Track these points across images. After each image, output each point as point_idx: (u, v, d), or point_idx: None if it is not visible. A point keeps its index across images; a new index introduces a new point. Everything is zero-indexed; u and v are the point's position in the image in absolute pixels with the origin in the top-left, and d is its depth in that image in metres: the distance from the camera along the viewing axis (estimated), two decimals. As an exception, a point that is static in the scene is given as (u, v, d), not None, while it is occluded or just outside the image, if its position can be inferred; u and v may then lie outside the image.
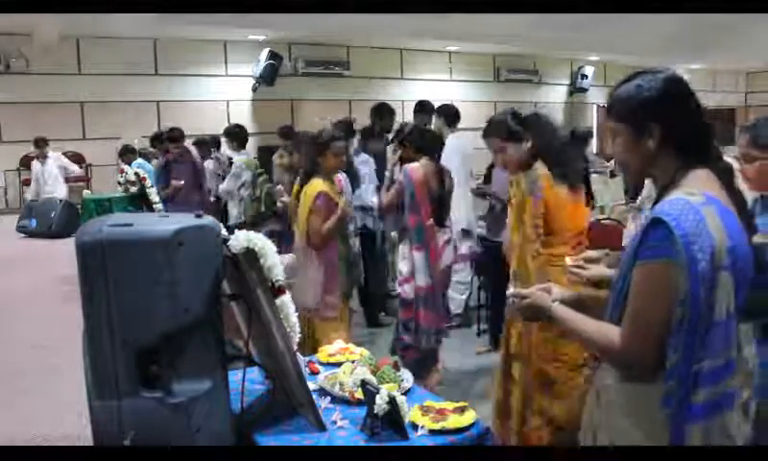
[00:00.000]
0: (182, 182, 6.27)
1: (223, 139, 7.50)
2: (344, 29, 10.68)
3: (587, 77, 15.78)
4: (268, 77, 11.72)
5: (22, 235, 9.17)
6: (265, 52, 11.59)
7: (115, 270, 1.66)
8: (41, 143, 9.40)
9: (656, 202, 1.53)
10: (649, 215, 1.46)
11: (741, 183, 2.46)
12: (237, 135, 7.34)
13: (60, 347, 4.67)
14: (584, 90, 15.77)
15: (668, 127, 1.51)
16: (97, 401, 1.72)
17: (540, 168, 2.83)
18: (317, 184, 3.66)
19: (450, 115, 5.67)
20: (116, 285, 1.67)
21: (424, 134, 4.19)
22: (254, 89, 12.05)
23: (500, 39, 12.20)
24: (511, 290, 1.90)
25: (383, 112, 5.92)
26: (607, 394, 1.58)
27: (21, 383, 4.30)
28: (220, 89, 11.84)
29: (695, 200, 1.42)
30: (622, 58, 15.39)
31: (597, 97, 16.13)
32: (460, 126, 5.74)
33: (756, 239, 1.56)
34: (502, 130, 2.95)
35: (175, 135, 6.44)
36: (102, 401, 1.71)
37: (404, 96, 12.06)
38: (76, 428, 3.20)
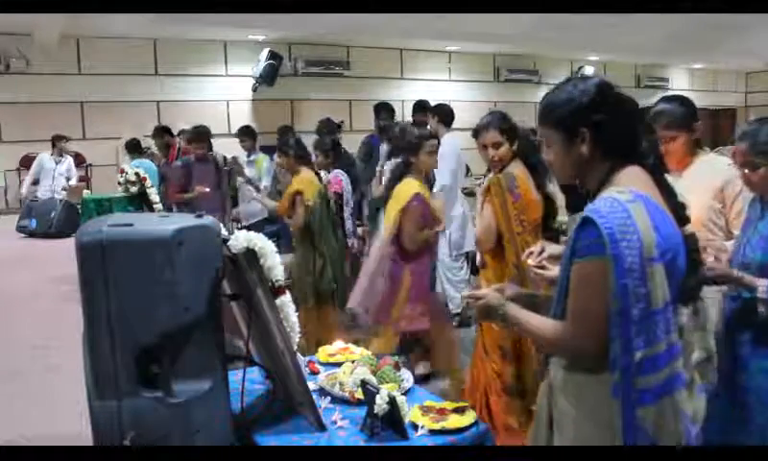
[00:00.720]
0: (208, 190, 5.86)
1: (236, 139, 7.53)
2: (344, 29, 10.67)
3: (587, 77, 15.77)
4: (268, 77, 11.71)
5: (22, 235, 9.17)
6: (265, 52, 11.58)
7: (115, 270, 1.66)
8: (61, 140, 9.38)
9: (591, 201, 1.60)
10: (581, 215, 1.53)
11: (738, 185, 2.47)
12: (252, 135, 7.37)
13: (59, 347, 4.66)
14: (584, 90, 15.76)
15: (599, 131, 1.59)
16: (97, 401, 1.72)
17: (515, 168, 3.06)
18: (412, 184, 3.61)
19: (445, 115, 5.69)
20: (116, 285, 1.66)
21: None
22: (254, 89, 12.04)
23: (500, 39, 12.18)
24: (466, 292, 1.93)
25: (380, 111, 6.06)
26: (557, 385, 1.65)
27: (21, 383, 4.30)
28: (220, 89, 11.83)
29: (623, 197, 1.50)
30: (622, 58, 15.37)
31: (597, 97, 16.10)
32: (461, 126, 5.76)
33: (688, 229, 1.64)
34: (507, 125, 3.11)
35: (200, 135, 6.03)
36: (102, 401, 1.71)
37: (404, 96, 12.05)
38: (76, 428, 3.19)
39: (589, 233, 1.49)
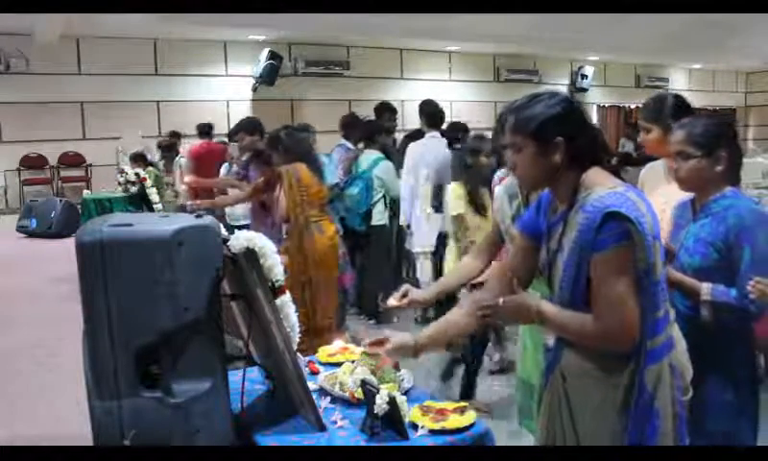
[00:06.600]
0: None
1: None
2: (344, 29, 10.68)
3: (587, 77, 15.77)
4: (268, 77, 11.73)
5: (22, 235, 9.17)
6: (265, 52, 11.59)
7: (115, 270, 1.66)
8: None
9: (570, 205, 1.72)
10: (595, 212, 1.63)
11: (673, 182, 2.41)
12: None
13: (59, 347, 4.67)
14: (584, 90, 15.76)
15: (571, 141, 1.72)
16: (97, 401, 1.72)
17: (300, 165, 4.28)
18: None
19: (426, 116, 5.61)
20: (116, 285, 1.66)
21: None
22: (254, 89, 12.06)
23: (500, 39, 12.20)
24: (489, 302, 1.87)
25: (383, 112, 6.09)
26: (574, 372, 1.75)
27: (21, 383, 4.30)
28: (220, 89, 11.85)
29: (620, 190, 1.67)
30: (622, 58, 15.39)
31: (597, 97, 16.13)
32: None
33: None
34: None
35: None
36: (102, 401, 1.71)
37: (404, 96, 12.06)
38: (76, 428, 3.19)
39: (612, 226, 1.61)
